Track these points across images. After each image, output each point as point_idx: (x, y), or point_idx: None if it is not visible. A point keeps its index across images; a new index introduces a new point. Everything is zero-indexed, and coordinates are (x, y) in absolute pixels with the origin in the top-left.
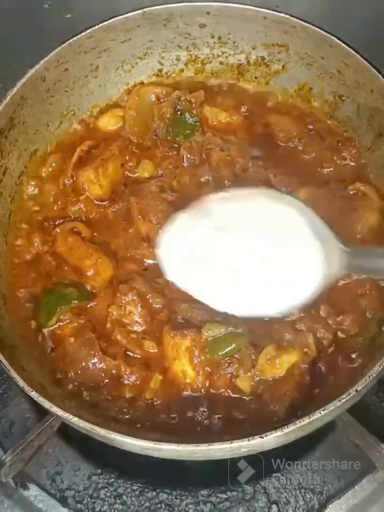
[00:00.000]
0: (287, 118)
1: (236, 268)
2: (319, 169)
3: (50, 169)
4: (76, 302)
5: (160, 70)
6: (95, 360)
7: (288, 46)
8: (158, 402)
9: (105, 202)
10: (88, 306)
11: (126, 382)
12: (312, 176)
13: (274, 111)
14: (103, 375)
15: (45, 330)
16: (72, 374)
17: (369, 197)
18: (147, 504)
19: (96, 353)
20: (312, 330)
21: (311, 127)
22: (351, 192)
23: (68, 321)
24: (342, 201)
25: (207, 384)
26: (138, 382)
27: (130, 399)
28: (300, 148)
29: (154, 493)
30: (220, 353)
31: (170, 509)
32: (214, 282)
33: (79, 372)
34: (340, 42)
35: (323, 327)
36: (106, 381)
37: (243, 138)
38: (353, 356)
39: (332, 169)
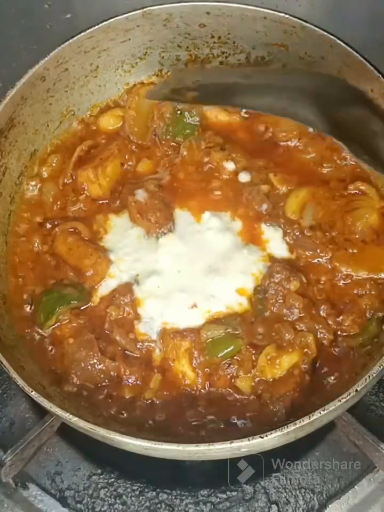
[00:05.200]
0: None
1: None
2: (319, 169)
3: (50, 169)
4: (75, 302)
5: (160, 70)
6: (94, 361)
7: (288, 46)
8: (158, 402)
9: (105, 202)
10: (87, 306)
11: (125, 382)
12: (312, 175)
13: None
14: (102, 376)
15: (44, 331)
16: (72, 374)
17: (369, 197)
18: (147, 504)
19: (96, 354)
20: (312, 330)
21: None
22: (351, 192)
23: (67, 321)
24: (342, 201)
25: (206, 385)
26: (138, 383)
27: (130, 399)
28: (300, 148)
29: (154, 493)
30: (219, 355)
31: (170, 509)
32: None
33: (79, 373)
34: (340, 42)
35: (323, 327)
36: (106, 381)
37: (243, 137)
38: (353, 355)
39: (331, 169)
